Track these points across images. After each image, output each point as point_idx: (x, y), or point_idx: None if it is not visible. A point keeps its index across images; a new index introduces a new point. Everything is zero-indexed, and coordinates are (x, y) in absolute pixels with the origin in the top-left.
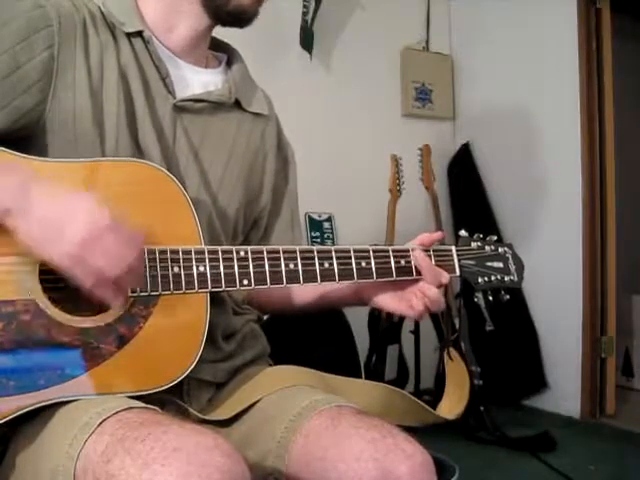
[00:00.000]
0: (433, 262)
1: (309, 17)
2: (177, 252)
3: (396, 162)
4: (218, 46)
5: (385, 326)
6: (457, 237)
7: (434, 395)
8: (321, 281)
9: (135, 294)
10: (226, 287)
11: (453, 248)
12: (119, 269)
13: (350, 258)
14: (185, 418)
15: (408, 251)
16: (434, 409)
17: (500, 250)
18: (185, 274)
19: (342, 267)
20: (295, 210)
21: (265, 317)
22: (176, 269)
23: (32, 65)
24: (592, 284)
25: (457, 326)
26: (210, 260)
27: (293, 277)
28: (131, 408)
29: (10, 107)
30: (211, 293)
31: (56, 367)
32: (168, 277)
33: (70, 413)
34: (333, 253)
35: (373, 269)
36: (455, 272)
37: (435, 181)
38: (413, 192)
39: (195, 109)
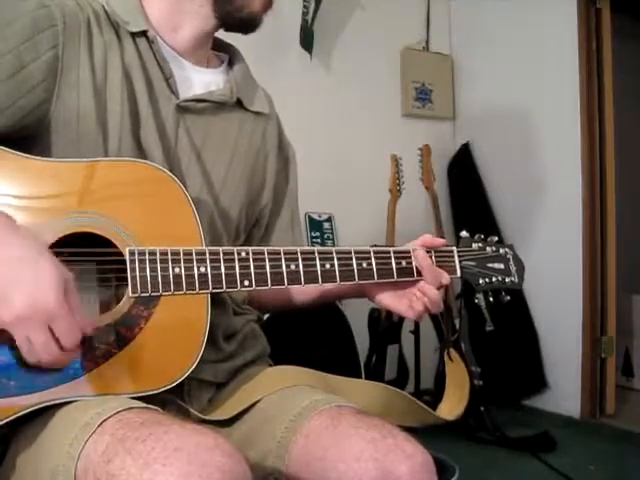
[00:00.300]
0: (434, 263)
1: (309, 17)
2: (178, 253)
3: (396, 162)
4: (220, 46)
5: (385, 326)
6: (458, 238)
7: (434, 395)
8: (322, 282)
9: (136, 295)
10: (227, 288)
11: (454, 249)
12: (43, 356)
13: (351, 259)
14: (186, 418)
15: (409, 252)
16: (434, 410)
17: (501, 251)
18: (186, 275)
19: (343, 268)
20: (295, 210)
21: (265, 317)
22: (177, 270)
23: (37, 65)
24: (592, 284)
25: (457, 327)
26: (211, 261)
27: (294, 278)
28: (132, 408)
29: (15, 107)
30: (212, 293)
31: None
32: (169, 278)
33: (71, 413)
34: (334, 254)
35: (374, 270)
36: (456, 273)
37: (435, 181)
38: (413, 192)
39: (197, 109)
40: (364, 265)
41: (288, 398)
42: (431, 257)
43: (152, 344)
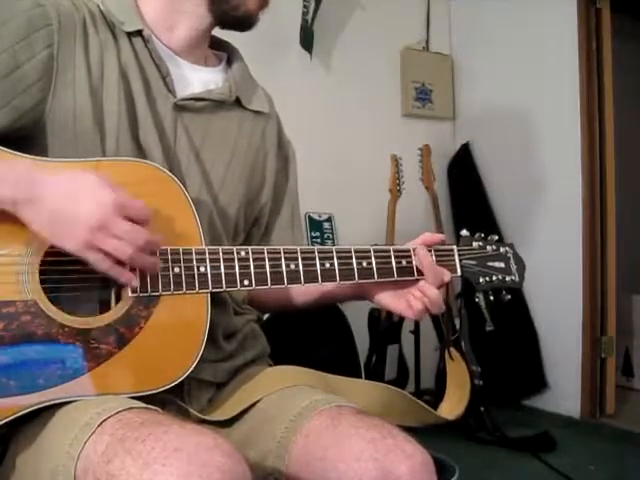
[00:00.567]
0: (434, 261)
1: (309, 17)
2: (178, 252)
3: (396, 162)
4: (218, 44)
5: (385, 326)
6: (458, 237)
7: (434, 395)
8: (322, 281)
9: (136, 294)
10: (227, 287)
11: (454, 248)
12: (132, 247)
13: (351, 258)
14: (186, 418)
15: (409, 251)
16: (434, 409)
17: (501, 250)
18: (186, 274)
19: (343, 267)
20: (296, 209)
21: (265, 317)
22: (177, 269)
23: (32, 64)
24: (592, 284)
25: (457, 326)
26: (211, 260)
27: (294, 277)
28: (131, 408)
29: (9, 107)
30: (212, 293)
31: (57, 368)
32: (169, 277)
33: (70, 413)
34: (334, 253)
35: (374, 269)
36: (456, 272)
37: (435, 181)
38: (413, 192)
39: (196, 108)
40: (364, 264)
41: (288, 398)
42: (431, 256)
43: (152, 344)
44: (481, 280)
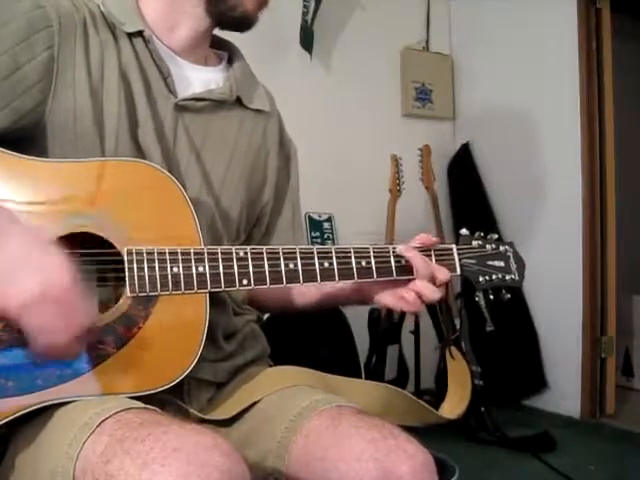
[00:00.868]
0: (434, 261)
1: (309, 17)
2: (176, 252)
3: (396, 162)
4: (219, 44)
5: (385, 326)
6: (458, 235)
7: (434, 395)
8: (321, 281)
9: (134, 294)
10: (225, 287)
11: (454, 247)
12: (53, 340)
13: (350, 257)
14: (185, 418)
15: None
16: (435, 409)
17: (501, 249)
18: (184, 274)
19: (342, 266)
20: (297, 208)
21: (265, 317)
22: (175, 269)
23: (32, 66)
24: (592, 284)
25: (457, 326)
26: (209, 260)
27: (293, 277)
28: (130, 408)
29: (9, 108)
30: (211, 293)
31: (55, 368)
32: (167, 277)
33: (69, 414)
34: (333, 252)
35: (373, 268)
36: (456, 271)
37: (435, 181)
38: (413, 192)
39: (196, 108)
40: (363, 264)
41: (288, 398)
42: (430, 255)
43: (151, 344)
44: (481, 279)
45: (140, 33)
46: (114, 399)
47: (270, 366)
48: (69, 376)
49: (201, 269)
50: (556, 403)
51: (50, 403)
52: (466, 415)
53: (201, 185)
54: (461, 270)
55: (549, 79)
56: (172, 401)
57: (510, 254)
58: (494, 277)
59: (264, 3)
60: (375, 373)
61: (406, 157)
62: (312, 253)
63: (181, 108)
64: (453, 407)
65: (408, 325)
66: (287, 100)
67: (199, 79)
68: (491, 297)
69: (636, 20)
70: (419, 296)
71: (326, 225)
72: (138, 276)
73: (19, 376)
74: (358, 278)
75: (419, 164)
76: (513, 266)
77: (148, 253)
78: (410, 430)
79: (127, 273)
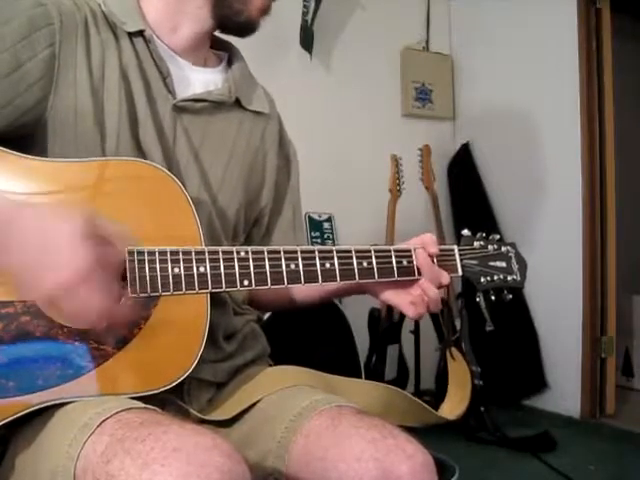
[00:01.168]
0: (435, 262)
1: (309, 17)
2: (177, 253)
3: (396, 162)
4: (219, 44)
5: (385, 326)
6: (459, 236)
7: (434, 395)
8: (322, 281)
9: (136, 295)
10: (227, 287)
11: (455, 248)
12: (94, 316)
13: (351, 258)
14: (185, 418)
15: (410, 251)
16: (434, 409)
17: (503, 249)
18: (185, 275)
19: (343, 267)
20: (297, 209)
21: (265, 317)
22: (176, 270)
23: (34, 63)
24: (592, 284)
25: (458, 326)
26: (211, 260)
27: (294, 277)
28: (131, 408)
29: (12, 106)
30: (212, 293)
31: (56, 368)
32: (168, 278)
33: (70, 414)
34: (334, 253)
35: (375, 269)
36: (457, 272)
37: (435, 181)
38: (413, 192)
39: (195, 109)
40: (364, 264)
41: (288, 398)
42: (432, 256)
43: (152, 344)
44: (482, 280)
45: (141, 33)
46: (114, 399)
47: (270, 366)
48: (70, 376)
49: (202, 269)
50: (556, 403)
51: (51, 403)
52: (466, 415)
53: (199, 185)
54: (463, 271)
55: (549, 79)
56: (172, 401)
57: (512, 255)
58: (496, 278)
59: (267, 10)
60: (375, 373)
61: (406, 157)
62: (313, 253)
63: (180, 109)
64: (453, 408)
65: (408, 325)
66: (287, 100)
67: (199, 80)
68: (493, 298)
69: (636, 20)
70: (427, 307)
71: (326, 225)
72: (139, 276)
73: (19, 376)
74: (359, 279)
75: (419, 164)
76: (515, 267)
77: (149, 253)
78: (410, 430)
79: (128, 273)
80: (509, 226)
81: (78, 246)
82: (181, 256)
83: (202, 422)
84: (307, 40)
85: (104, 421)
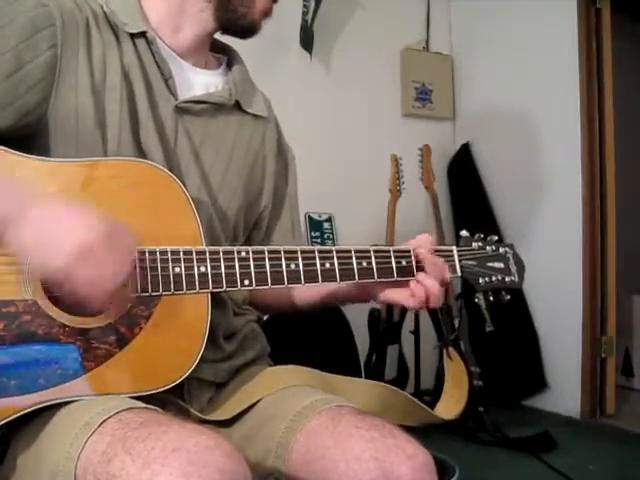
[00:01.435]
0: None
1: (309, 17)
2: (178, 252)
3: (396, 162)
4: (218, 47)
5: (385, 326)
6: (458, 237)
7: (434, 395)
8: (322, 281)
9: (137, 294)
10: (227, 287)
11: (454, 248)
12: (112, 282)
13: (351, 258)
14: (186, 418)
15: (409, 251)
16: (434, 409)
17: (501, 250)
18: (186, 274)
19: (343, 267)
20: (296, 215)
21: (265, 317)
22: (177, 269)
23: (36, 64)
24: (592, 284)
25: (457, 326)
26: (211, 260)
27: (294, 277)
28: (132, 408)
29: (14, 106)
30: (212, 294)
31: (57, 367)
32: (169, 277)
33: (70, 413)
34: (334, 253)
35: (374, 269)
36: (456, 272)
37: (435, 181)
38: (413, 192)
39: (196, 110)
40: (364, 264)
41: (288, 398)
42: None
43: (152, 344)
44: (480, 281)
45: (143, 34)
46: (115, 399)
47: (270, 366)
48: (70, 375)
49: (203, 269)
50: (556, 403)
51: (51, 403)
52: (465, 415)
53: (200, 186)
54: (461, 271)
55: (549, 79)
56: (173, 401)
57: (510, 256)
58: (494, 279)
59: (269, 12)
60: (375, 373)
61: (406, 157)
62: (313, 253)
63: (181, 110)
64: (450, 407)
65: (408, 325)
66: (287, 100)
67: (200, 82)
68: (491, 298)
69: (636, 20)
70: (426, 296)
71: (326, 225)
72: (140, 276)
73: (20, 375)
74: (359, 279)
75: (419, 164)
76: (513, 268)
77: (150, 253)
78: (410, 430)
79: None
80: (509, 226)
81: (92, 217)
82: (182, 256)
83: (202, 422)
84: (307, 40)
85: (105, 421)
